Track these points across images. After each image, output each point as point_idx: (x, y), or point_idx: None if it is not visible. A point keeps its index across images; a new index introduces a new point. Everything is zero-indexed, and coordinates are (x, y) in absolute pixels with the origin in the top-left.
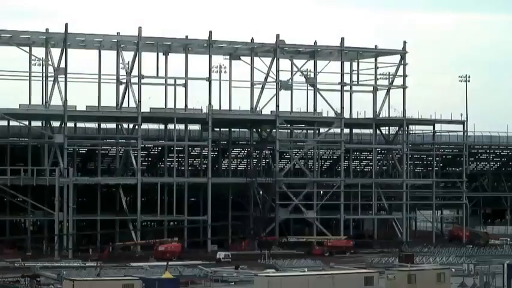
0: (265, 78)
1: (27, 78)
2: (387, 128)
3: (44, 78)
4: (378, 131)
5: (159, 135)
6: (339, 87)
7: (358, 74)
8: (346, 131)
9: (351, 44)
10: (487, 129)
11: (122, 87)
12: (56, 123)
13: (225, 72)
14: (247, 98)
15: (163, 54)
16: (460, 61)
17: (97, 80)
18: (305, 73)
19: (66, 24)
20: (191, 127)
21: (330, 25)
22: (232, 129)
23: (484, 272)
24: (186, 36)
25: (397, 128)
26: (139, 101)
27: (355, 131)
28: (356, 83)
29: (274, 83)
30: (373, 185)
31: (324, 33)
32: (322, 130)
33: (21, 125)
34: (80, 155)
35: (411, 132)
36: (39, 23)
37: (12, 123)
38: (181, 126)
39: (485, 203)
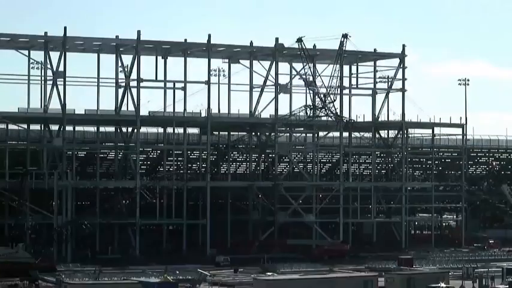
0: (264, 82)
1: (26, 81)
2: (386, 131)
3: (43, 82)
4: (377, 135)
5: (158, 138)
6: (338, 90)
7: (357, 77)
8: (345, 134)
9: (350, 48)
10: (486, 133)
11: (120, 91)
12: (54, 127)
13: (224, 75)
14: (246, 101)
15: (162, 58)
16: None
17: (96, 84)
18: (304, 76)
19: (65, 28)
20: (190, 131)
21: (330, 28)
22: (232, 133)
23: (483, 276)
24: (185, 40)
25: (396, 132)
26: (138, 105)
27: (354, 134)
28: (355, 86)
29: (273, 87)
30: (372, 189)
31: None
32: (321, 134)
33: (20, 128)
34: (79, 158)
35: (410, 135)
36: (38, 26)
37: (11, 126)
38: (180, 130)
39: (484, 207)
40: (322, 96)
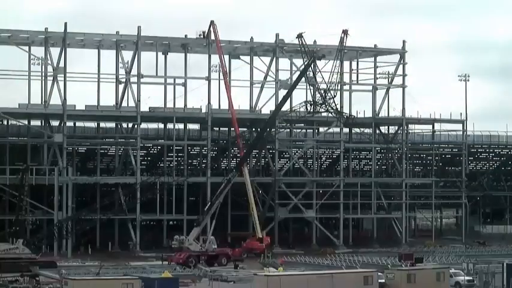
0: (265, 78)
1: (27, 77)
2: (387, 127)
3: (43, 78)
4: (378, 130)
5: (159, 134)
6: (338, 86)
7: (357, 73)
8: (346, 130)
9: (350, 43)
10: (486, 129)
11: (121, 87)
12: (55, 123)
13: None
14: (246, 97)
15: (162, 54)
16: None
17: (96, 80)
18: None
19: (66, 24)
20: (190, 126)
21: (330, 24)
22: (232, 129)
23: (484, 271)
24: (186, 36)
25: (396, 127)
26: (139, 100)
27: (354, 130)
28: (355, 82)
29: (274, 83)
30: (372, 184)
31: (323, 32)
32: (321, 129)
33: (20, 124)
34: (79, 154)
35: (410, 131)
36: (39, 22)
37: (12, 122)
38: (181, 126)
39: (485, 203)
40: (322, 92)
